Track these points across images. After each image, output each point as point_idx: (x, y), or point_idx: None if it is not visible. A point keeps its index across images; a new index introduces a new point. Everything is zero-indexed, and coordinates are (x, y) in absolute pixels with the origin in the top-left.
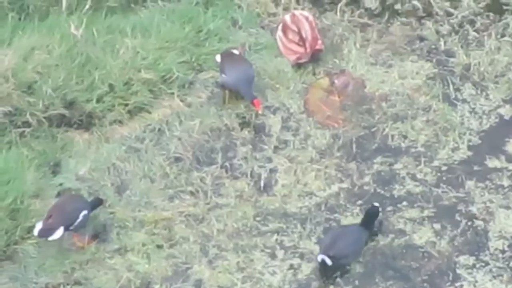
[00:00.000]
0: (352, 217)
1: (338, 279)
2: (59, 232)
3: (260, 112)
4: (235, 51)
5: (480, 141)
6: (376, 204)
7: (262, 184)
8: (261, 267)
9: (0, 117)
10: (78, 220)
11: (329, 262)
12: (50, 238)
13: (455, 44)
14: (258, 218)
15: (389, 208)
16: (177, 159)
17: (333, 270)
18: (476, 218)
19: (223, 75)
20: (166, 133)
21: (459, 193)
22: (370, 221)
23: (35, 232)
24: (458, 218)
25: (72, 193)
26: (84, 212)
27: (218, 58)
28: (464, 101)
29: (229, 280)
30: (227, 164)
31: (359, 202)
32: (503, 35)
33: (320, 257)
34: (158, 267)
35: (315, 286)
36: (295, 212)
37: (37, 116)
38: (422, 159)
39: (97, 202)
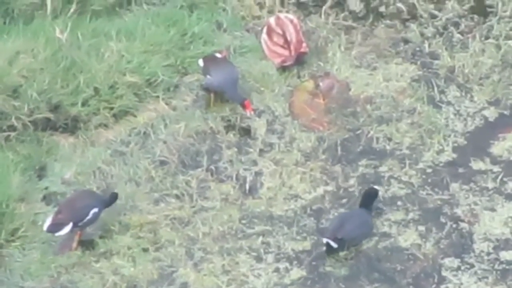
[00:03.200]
0: None
1: (323, 282)
2: (67, 228)
3: (252, 113)
4: (218, 55)
5: (465, 143)
6: (375, 186)
7: (247, 187)
8: (246, 270)
9: None
10: (88, 218)
11: (334, 245)
12: (57, 234)
13: (439, 47)
14: (243, 221)
15: (374, 211)
16: (163, 163)
17: (339, 251)
18: (461, 220)
19: (208, 76)
20: (152, 137)
21: (444, 195)
22: (369, 202)
23: (44, 227)
24: (443, 220)
25: (85, 188)
26: (95, 209)
27: (200, 62)
28: (448, 103)
29: (214, 283)
30: (212, 167)
31: (344, 204)
32: (487, 37)
33: (325, 240)
34: (143, 270)
35: None
36: (280, 215)
37: (23, 120)
38: (407, 162)
39: (112, 198)
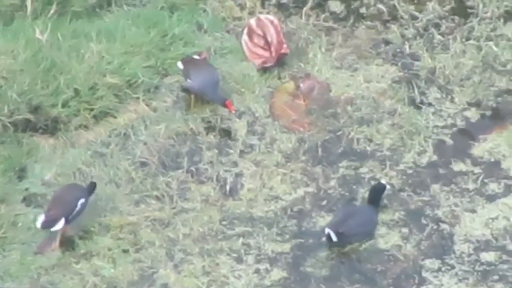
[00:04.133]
0: (319, 220)
1: (303, 283)
2: (61, 223)
3: (233, 112)
4: (196, 56)
5: (445, 145)
6: (383, 181)
7: (228, 189)
8: (226, 271)
9: None
10: (76, 209)
11: (334, 237)
12: (53, 229)
13: (420, 48)
14: (224, 222)
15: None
16: (143, 164)
17: (338, 246)
18: (442, 222)
19: (189, 80)
20: (132, 138)
21: (425, 196)
22: (377, 198)
23: (38, 225)
24: (424, 222)
25: (70, 183)
26: (82, 200)
27: (180, 65)
28: (429, 104)
29: (195, 284)
30: (192, 168)
31: (325, 206)
32: (468, 38)
33: (327, 230)
34: (124, 271)
35: None
36: (261, 216)
37: (3, 121)
38: (388, 163)
39: (92, 187)
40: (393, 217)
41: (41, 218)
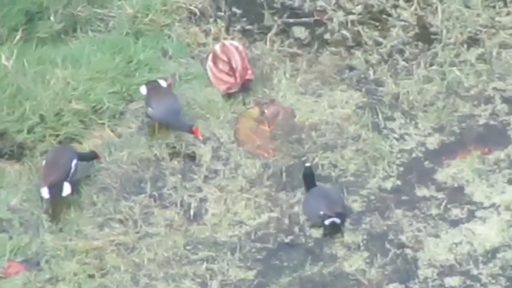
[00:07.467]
0: (282, 245)
1: None
2: (67, 186)
3: (201, 138)
4: (162, 82)
5: (409, 170)
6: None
7: (192, 213)
8: None
9: None
10: (72, 171)
11: (338, 221)
12: (64, 194)
13: (384, 74)
14: (188, 247)
15: (319, 236)
16: (104, 189)
17: (341, 227)
18: (406, 247)
19: (150, 109)
20: (94, 164)
21: (389, 221)
22: (313, 181)
23: (46, 195)
24: (388, 247)
25: (56, 146)
26: (74, 161)
27: (143, 90)
28: (393, 130)
29: None
30: (155, 193)
31: (288, 231)
32: (431, 64)
33: (329, 220)
34: None
35: None
36: (225, 241)
37: None
38: (352, 188)
39: (88, 156)
40: (357, 241)
41: (44, 190)
